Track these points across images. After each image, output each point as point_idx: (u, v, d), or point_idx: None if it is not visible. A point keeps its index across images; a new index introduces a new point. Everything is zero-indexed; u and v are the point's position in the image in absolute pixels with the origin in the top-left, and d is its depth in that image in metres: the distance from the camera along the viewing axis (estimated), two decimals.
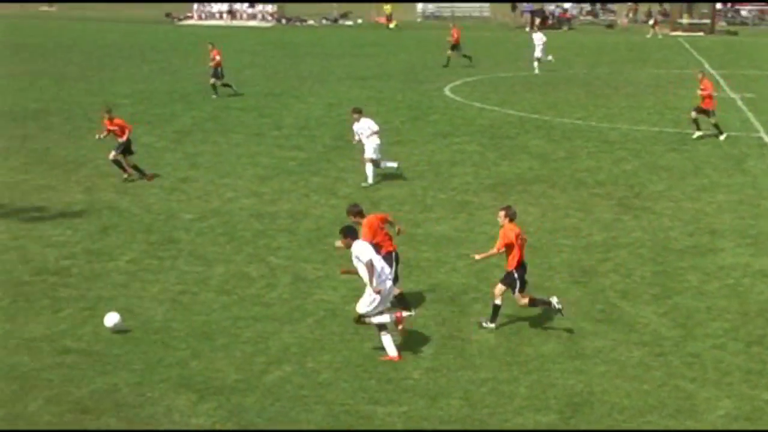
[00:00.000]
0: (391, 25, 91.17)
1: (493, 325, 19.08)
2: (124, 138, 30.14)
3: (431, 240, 24.76)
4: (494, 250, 18.88)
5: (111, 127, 30.34)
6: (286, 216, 26.54)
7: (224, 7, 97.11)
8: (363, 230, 18.86)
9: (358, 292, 20.38)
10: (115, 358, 17.55)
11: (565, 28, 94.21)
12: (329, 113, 42.26)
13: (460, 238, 24.91)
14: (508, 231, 18.73)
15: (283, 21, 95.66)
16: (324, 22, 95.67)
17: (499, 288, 19.00)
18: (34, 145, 35.29)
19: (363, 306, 17.65)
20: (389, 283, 17.73)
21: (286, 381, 16.77)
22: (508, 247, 18.73)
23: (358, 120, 30.19)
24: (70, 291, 20.86)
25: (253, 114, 42.41)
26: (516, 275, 18.80)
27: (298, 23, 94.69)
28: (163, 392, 16.28)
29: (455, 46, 59.44)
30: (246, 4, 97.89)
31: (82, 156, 33.47)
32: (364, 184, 29.87)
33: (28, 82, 50.85)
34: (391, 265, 18.63)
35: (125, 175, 30.25)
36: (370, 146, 30.04)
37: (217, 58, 46.47)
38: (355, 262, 17.64)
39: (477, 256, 19.34)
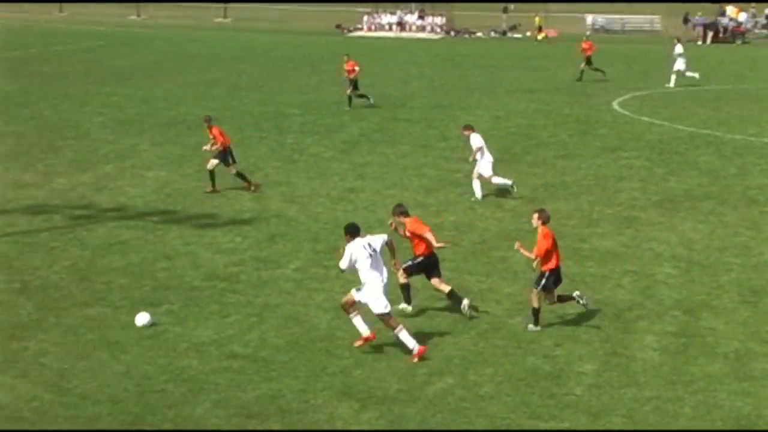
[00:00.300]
0: (539, 37, 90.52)
1: (538, 328, 19.45)
2: (221, 148, 30.44)
3: (596, 255, 24.52)
4: (532, 255, 19.35)
5: (210, 136, 30.71)
6: (450, 228, 26.59)
7: (394, 19, 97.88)
8: (411, 226, 20.15)
9: (522, 305, 20.38)
10: (280, 364, 17.85)
11: (738, 41, 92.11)
12: (496, 126, 42.18)
13: (625, 254, 24.61)
14: (544, 235, 19.22)
15: (452, 33, 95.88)
16: (492, 34, 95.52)
17: (534, 293, 19.45)
18: (206, 153, 36.06)
19: (378, 307, 18.18)
20: (382, 281, 18.26)
21: (447, 393, 16.82)
22: (546, 250, 19.21)
23: (468, 136, 30.12)
24: (237, 297, 21.31)
25: (420, 125, 42.62)
26: (548, 276, 19.34)
27: (466, 35, 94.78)
28: (326, 400, 16.50)
29: (589, 60, 58.37)
30: (415, 16, 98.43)
31: (252, 164, 34.10)
32: (472, 199, 29.73)
33: (202, 91, 52.06)
34: (435, 266, 20.15)
35: (208, 189, 30.43)
36: (483, 163, 29.91)
37: (354, 69, 46.75)
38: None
39: (518, 246, 19.70)
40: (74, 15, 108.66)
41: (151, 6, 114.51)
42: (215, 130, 30.52)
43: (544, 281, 19.40)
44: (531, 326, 19.59)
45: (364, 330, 18.43)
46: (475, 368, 17.79)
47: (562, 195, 30.32)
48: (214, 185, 30.35)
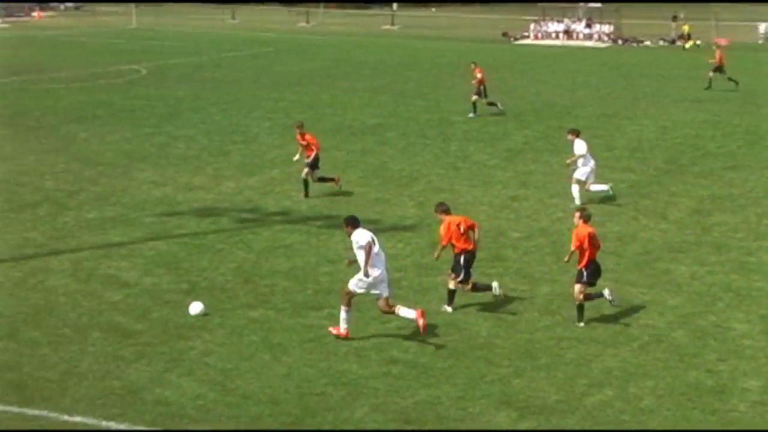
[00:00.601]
0: (687, 46, 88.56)
1: (582, 324, 20.16)
2: (311, 157, 30.64)
3: (764, 269, 23.95)
4: (572, 248, 20.40)
5: (302, 143, 30.88)
6: (613, 238, 26.29)
7: (560, 27, 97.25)
8: (442, 228, 20.80)
9: (686, 318, 20.08)
10: (439, 371, 17.93)
11: None
12: (663, 136, 41.55)
13: None
14: (581, 231, 20.20)
15: (619, 42, 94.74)
16: (661, 43, 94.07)
17: (577, 288, 20.28)
18: (371, 159, 36.46)
19: (352, 283, 19.23)
20: (379, 271, 19.11)
21: (607, 405, 16.66)
22: (581, 247, 20.12)
23: (572, 141, 30.06)
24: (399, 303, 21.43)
25: (584, 135, 42.05)
26: (585, 273, 20.16)
27: (634, 44, 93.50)
28: (484, 408, 16.51)
29: (719, 68, 56.75)
30: (582, 25, 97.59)
31: (416, 171, 34.32)
32: (571, 206, 29.05)
33: (368, 98, 52.55)
34: (467, 263, 20.69)
35: (337, 186, 31.06)
36: (583, 169, 29.85)
37: (479, 76, 46.61)
38: (356, 248, 19.20)
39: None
40: (246, 22, 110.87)
41: (320, 13, 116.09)
42: (308, 136, 30.90)
43: (585, 278, 20.24)
44: (578, 323, 20.22)
45: (344, 327, 19.36)
46: (635, 381, 17.59)
47: (728, 207, 29.71)
48: (332, 180, 31.14)
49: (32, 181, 32.03)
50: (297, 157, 31.45)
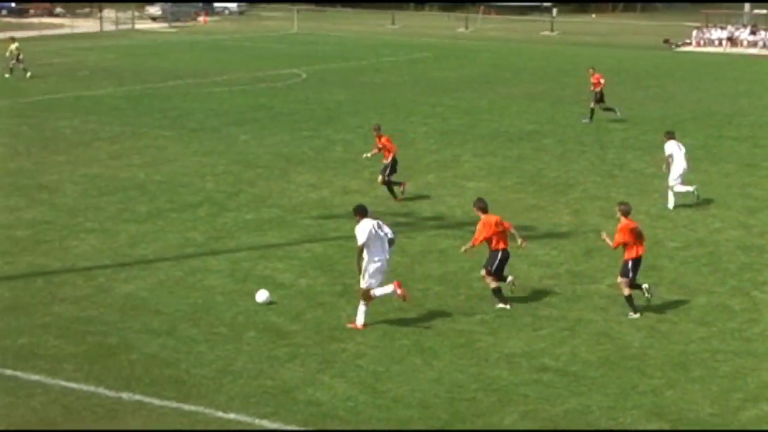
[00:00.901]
0: None
1: (637, 315, 20.79)
2: (389, 159, 30.72)
3: None
4: (613, 244, 21.01)
5: (379, 145, 31.06)
6: None
7: (724, 34, 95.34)
8: (479, 225, 21.29)
9: None
10: (590, 380, 17.81)
11: None
12: None
13: None
14: (624, 227, 20.76)
15: None
16: None
17: (621, 281, 20.99)
18: (527, 165, 36.35)
19: (364, 282, 19.95)
20: (380, 264, 19.84)
21: (762, 420, 16.35)
22: (625, 241, 20.77)
23: (665, 143, 30.43)
24: (551, 310, 21.37)
25: (746, 144, 41.40)
26: (630, 265, 20.76)
27: None
28: (635, 419, 16.34)
29: None
30: (747, 32, 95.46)
31: (572, 178, 34.10)
32: (670, 206, 29.74)
33: (526, 104, 52.35)
34: (503, 260, 21.16)
35: (400, 194, 30.98)
36: (674, 171, 29.94)
37: (600, 82, 45.99)
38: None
39: (604, 236, 21.46)
40: (405, 27, 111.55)
41: (479, 19, 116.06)
42: (384, 140, 31.03)
43: (630, 272, 20.85)
44: (631, 314, 20.83)
45: (361, 321, 20.06)
46: None
47: None
48: (399, 184, 31.08)
49: (193, 182, 32.81)
50: (368, 155, 31.94)
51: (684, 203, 30.33)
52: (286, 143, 40.13)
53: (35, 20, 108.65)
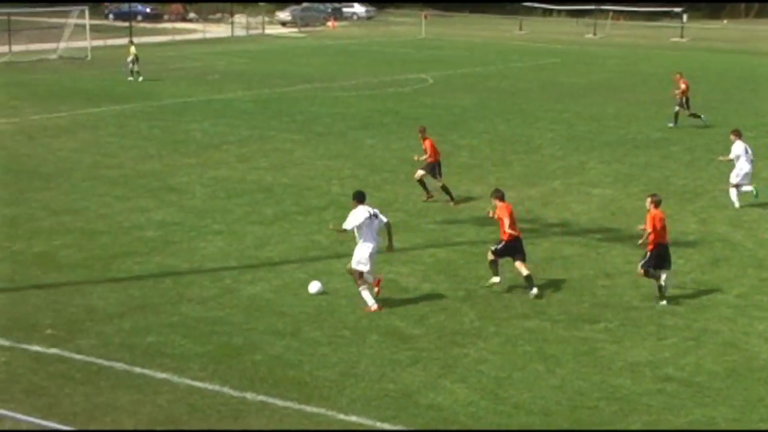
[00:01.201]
0: None
1: (664, 303, 21.81)
2: (433, 160, 31.01)
3: None
4: (646, 229, 21.89)
5: (424, 147, 31.28)
6: None
7: None
8: (500, 210, 22.58)
9: None
10: (715, 391, 17.55)
11: None
12: None
13: None
14: (654, 215, 21.88)
15: None
16: None
17: (640, 271, 22.01)
18: (654, 173, 35.92)
19: (354, 263, 21.29)
20: (371, 249, 21.16)
21: None
22: (653, 229, 21.67)
23: (734, 142, 30.81)
24: (676, 320, 21.10)
25: None
26: (650, 254, 21.76)
27: None
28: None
29: None
30: None
31: (700, 186, 33.63)
32: (732, 209, 30.05)
33: (654, 111, 51.64)
34: (518, 249, 22.58)
35: (425, 197, 31.27)
36: (738, 170, 30.40)
37: (683, 86, 45.77)
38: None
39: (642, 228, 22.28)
40: (533, 33, 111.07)
41: (608, 25, 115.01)
42: (428, 143, 31.21)
43: (651, 260, 21.84)
44: (662, 303, 21.88)
45: (371, 303, 21.20)
46: None
47: None
48: (428, 192, 31.39)
49: (319, 186, 33.13)
50: (418, 158, 31.96)
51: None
52: (411, 148, 40.14)
53: (169, 25, 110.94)
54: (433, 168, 31.32)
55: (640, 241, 22.33)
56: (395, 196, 31.84)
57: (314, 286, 22.50)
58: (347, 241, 26.64)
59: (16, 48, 75.71)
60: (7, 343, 19.32)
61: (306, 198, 31.55)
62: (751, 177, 31.12)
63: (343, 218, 28.83)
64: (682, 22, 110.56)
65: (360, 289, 21.37)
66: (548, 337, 20.09)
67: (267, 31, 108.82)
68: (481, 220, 28.93)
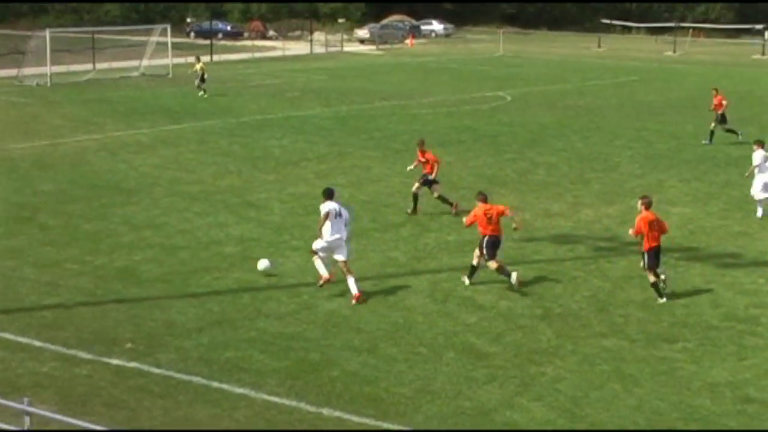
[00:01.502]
0: None
1: (663, 300, 22.88)
2: (433, 174, 31.26)
3: None
4: (631, 232, 23.36)
5: (422, 159, 31.65)
6: None
7: None
8: (473, 210, 24.29)
9: None
10: None
11: None
12: None
13: None
14: (643, 217, 22.90)
15: None
16: None
17: (649, 274, 23.00)
18: (734, 191, 35.48)
19: (315, 244, 23.20)
20: (338, 236, 22.86)
21: None
22: (643, 231, 22.76)
23: (755, 151, 31.16)
24: (756, 340, 20.86)
25: None
26: (647, 255, 22.85)
27: None
28: None
29: None
30: None
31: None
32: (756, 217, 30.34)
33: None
34: (494, 246, 23.82)
35: (453, 211, 31.21)
36: (759, 180, 31.05)
37: (722, 103, 45.77)
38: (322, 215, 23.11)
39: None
40: (611, 50, 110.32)
41: (687, 42, 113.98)
42: (428, 154, 31.66)
43: (647, 260, 22.92)
44: (661, 300, 22.86)
45: (323, 272, 23.12)
46: None
47: None
48: (452, 204, 31.54)
49: (397, 203, 33.20)
50: (410, 167, 32.64)
51: None
52: (489, 165, 40.27)
53: (249, 43, 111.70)
54: (427, 180, 31.73)
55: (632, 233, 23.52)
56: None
57: (262, 263, 24.83)
58: (424, 258, 26.79)
59: (99, 66, 76.76)
60: (88, 356, 19.62)
61: (383, 215, 31.65)
62: None
63: (420, 235, 29.11)
64: (764, 39, 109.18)
65: (314, 259, 23.35)
66: (626, 356, 19.95)
67: (345, 49, 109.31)
68: (559, 238, 28.88)
